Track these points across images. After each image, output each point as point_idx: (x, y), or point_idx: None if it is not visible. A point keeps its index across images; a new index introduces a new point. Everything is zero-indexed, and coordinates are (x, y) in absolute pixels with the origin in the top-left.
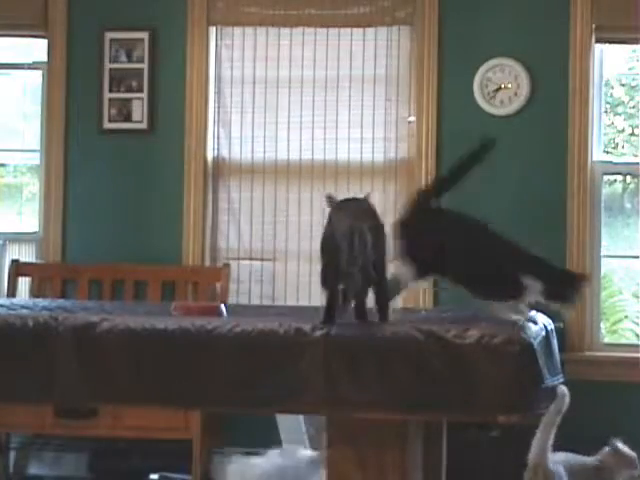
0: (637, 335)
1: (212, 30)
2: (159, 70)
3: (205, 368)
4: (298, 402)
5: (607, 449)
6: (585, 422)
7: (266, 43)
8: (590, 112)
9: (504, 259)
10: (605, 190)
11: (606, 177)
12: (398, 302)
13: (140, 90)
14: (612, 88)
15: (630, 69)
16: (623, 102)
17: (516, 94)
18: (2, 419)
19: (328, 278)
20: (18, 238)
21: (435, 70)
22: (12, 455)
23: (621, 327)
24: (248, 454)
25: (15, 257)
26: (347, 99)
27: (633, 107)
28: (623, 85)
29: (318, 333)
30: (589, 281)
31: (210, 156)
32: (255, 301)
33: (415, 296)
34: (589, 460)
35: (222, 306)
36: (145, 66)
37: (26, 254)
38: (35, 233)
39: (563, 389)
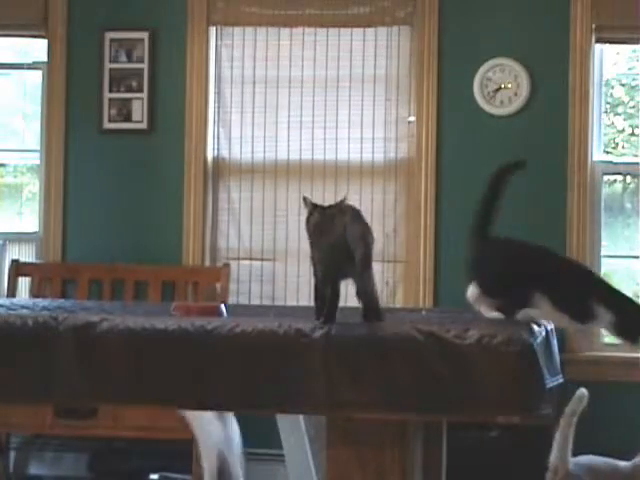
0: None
1: (212, 30)
2: (159, 70)
3: (205, 368)
4: (298, 402)
5: None
6: (585, 422)
7: (266, 43)
8: (590, 112)
9: (580, 283)
10: (605, 190)
11: (606, 177)
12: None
13: (140, 90)
14: (612, 88)
15: (630, 69)
16: (623, 102)
17: (516, 94)
18: (2, 419)
19: (331, 276)
20: (18, 238)
21: (435, 70)
22: (12, 455)
23: None
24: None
25: (15, 257)
26: (347, 99)
27: (633, 107)
28: (623, 85)
29: (318, 333)
30: None
31: (210, 156)
32: (255, 301)
33: (415, 296)
34: (622, 465)
35: (222, 306)
36: (145, 66)
37: (26, 254)
38: (35, 233)
39: (583, 391)
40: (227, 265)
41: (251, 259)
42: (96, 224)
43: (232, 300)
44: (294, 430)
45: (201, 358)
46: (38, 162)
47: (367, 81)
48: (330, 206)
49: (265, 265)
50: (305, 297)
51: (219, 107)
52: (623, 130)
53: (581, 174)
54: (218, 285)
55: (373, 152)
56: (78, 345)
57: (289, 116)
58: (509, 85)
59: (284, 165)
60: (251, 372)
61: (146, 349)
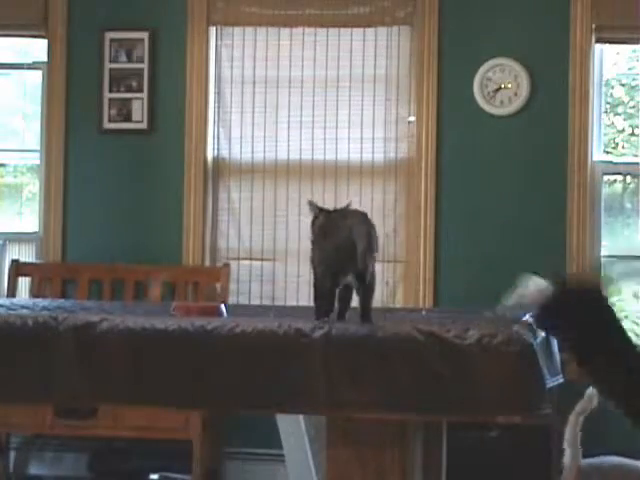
0: (637, 335)
1: (212, 30)
2: (159, 70)
3: (205, 368)
4: (298, 402)
5: None
6: (585, 422)
7: (266, 43)
8: (590, 112)
9: None
10: (605, 190)
11: (606, 177)
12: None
13: (140, 90)
14: (612, 88)
15: (630, 69)
16: (623, 102)
17: (516, 94)
18: (2, 419)
19: (331, 276)
20: (18, 238)
21: (435, 70)
22: (12, 455)
23: None
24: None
25: (15, 257)
26: (347, 99)
27: (633, 107)
28: (623, 85)
29: (318, 333)
30: None
31: (210, 156)
32: (255, 301)
33: (415, 296)
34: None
35: (222, 306)
36: (145, 66)
37: (26, 254)
38: (35, 233)
39: (593, 391)
40: (227, 265)
41: (251, 259)
42: (96, 224)
43: (232, 300)
44: (294, 430)
45: (201, 358)
46: (38, 162)
47: (367, 81)
48: (336, 210)
49: (265, 265)
50: (305, 297)
51: (219, 107)
52: (623, 130)
53: (581, 174)
54: (218, 285)
55: (373, 152)
56: (78, 345)
57: (289, 116)
58: (509, 85)
59: (284, 165)
60: (251, 372)
61: (146, 349)
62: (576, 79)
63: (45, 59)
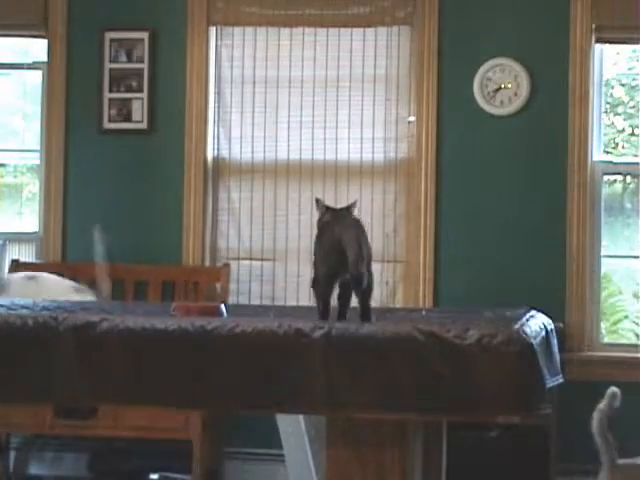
0: (637, 335)
1: (212, 30)
2: (159, 70)
3: (205, 368)
4: (298, 402)
5: None
6: (585, 422)
7: (266, 43)
8: (590, 112)
9: None
10: (605, 190)
11: (606, 177)
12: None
13: (140, 90)
14: (612, 88)
15: (630, 69)
16: (623, 102)
17: (516, 94)
18: (2, 419)
19: (328, 277)
20: (18, 238)
21: (435, 70)
22: (12, 455)
23: (621, 327)
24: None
25: (15, 257)
26: (347, 99)
27: (633, 107)
28: (623, 85)
29: (318, 333)
30: None
31: (210, 156)
32: (255, 301)
33: (415, 296)
34: None
35: (222, 306)
36: (145, 66)
37: (26, 254)
38: (35, 233)
39: (615, 389)
40: (227, 265)
41: (251, 259)
42: (96, 224)
43: (232, 300)
44: (294, 430)
45: (201, 358)
46: (38, 162)
47: (367, 81)
48: (341, 208)
49: (265, 265)
50: (305, 297)
51: (219, 107)
52: (623, 130)
53: (581, 174)
54: (218, 285)
55: (373, 152)
56: (78, 345)
57: (289, 116)
58: (509, 85)
59: (284, 165)
60: (251, 372)
61: (146, 349)
62: (576, 79)
63: (45, 59)
